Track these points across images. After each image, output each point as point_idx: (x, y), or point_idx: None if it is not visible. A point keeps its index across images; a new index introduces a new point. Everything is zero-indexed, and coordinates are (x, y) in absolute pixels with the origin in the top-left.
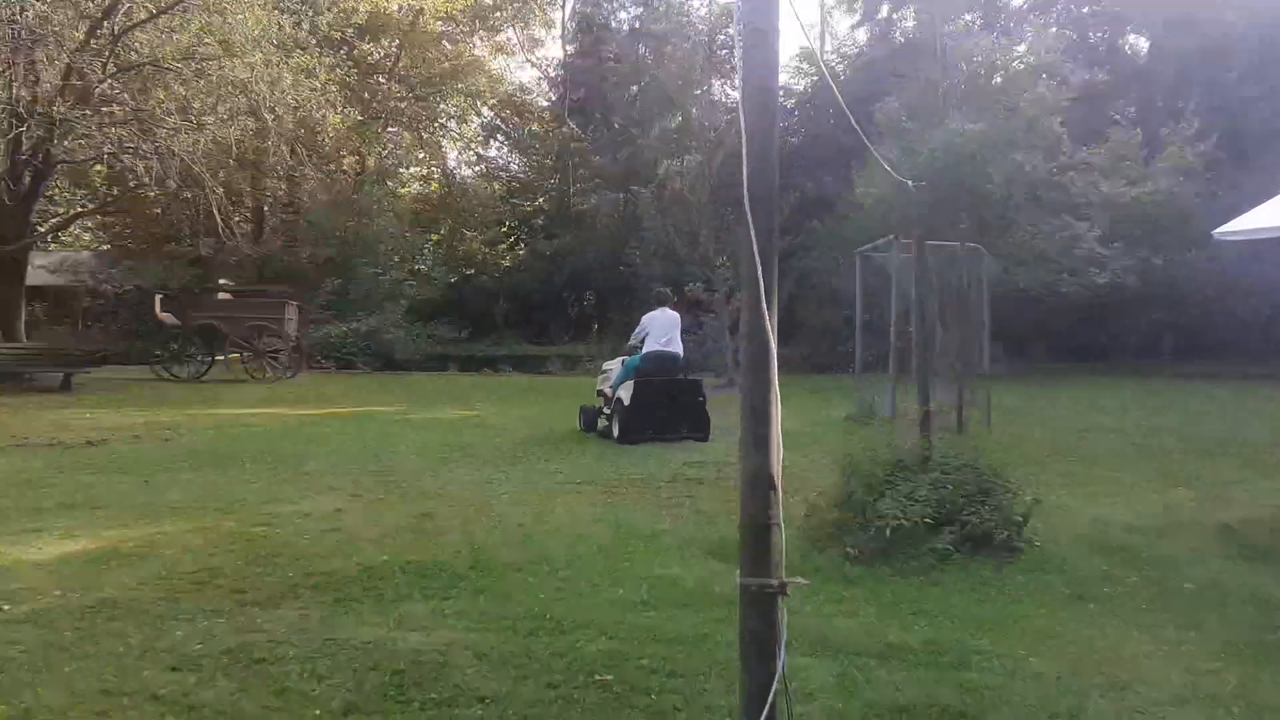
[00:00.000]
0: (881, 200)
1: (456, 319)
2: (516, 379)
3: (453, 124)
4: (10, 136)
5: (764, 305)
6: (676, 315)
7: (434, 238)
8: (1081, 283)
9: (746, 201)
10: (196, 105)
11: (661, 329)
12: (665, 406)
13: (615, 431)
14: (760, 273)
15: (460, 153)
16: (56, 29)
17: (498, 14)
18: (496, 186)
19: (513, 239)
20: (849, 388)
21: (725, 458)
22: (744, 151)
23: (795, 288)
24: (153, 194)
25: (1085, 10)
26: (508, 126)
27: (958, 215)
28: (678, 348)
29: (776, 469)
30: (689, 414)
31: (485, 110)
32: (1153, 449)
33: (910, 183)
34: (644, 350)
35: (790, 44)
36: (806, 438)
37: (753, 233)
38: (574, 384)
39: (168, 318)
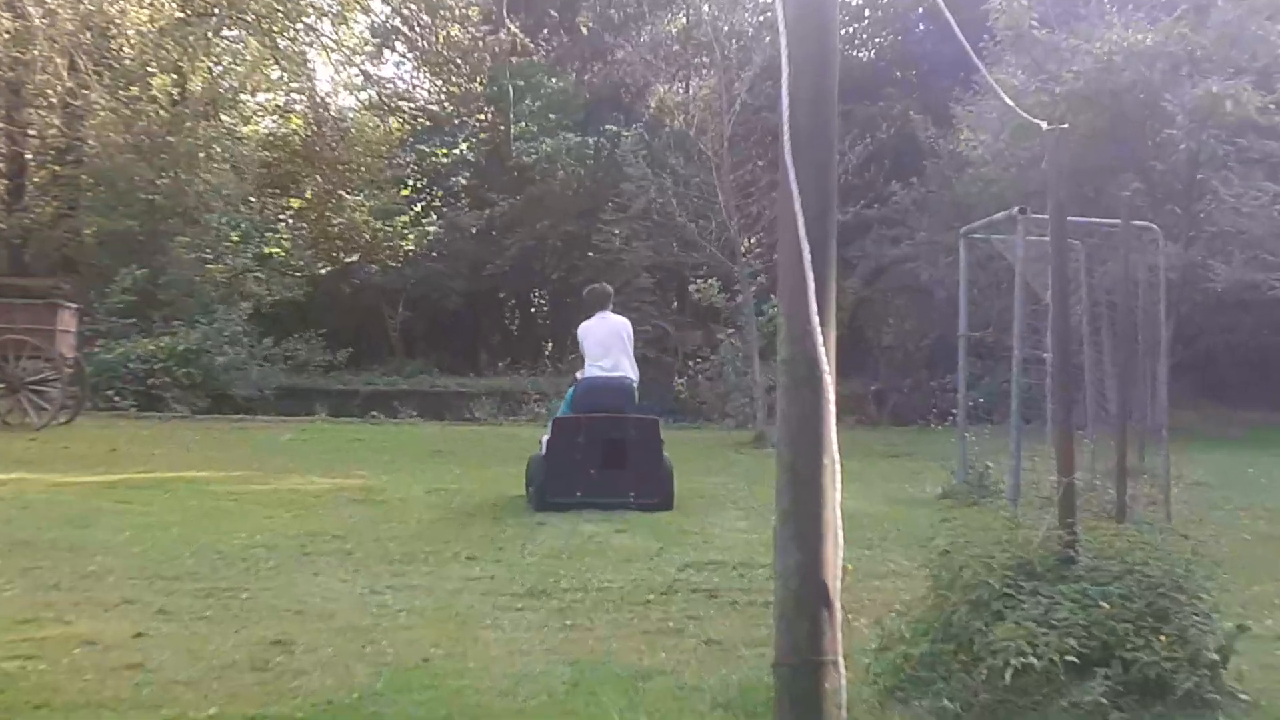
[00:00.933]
0: (998, 153)
1: (329, 334)
2: (423, 429)
3: (325, 25)
4: None
5: (814, 315)
6: (622, 323)
7: (295, 204)
8: None
9: (787, 152)
10: None
11: (600, 345)
12: (601, 458)
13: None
14: (808, 264)
15: (338, 71)
16: None
17: None
18: (395, 125)
19: (421, 207)
20: (946, 446)
21: (751, 554)
22: (784, 73)
23: (863, 288)
24: None
25: None
26: (412, 29)
27: (1117, 175)
28: (625, 370)
29: (833, 573)
30: (639, 469)
31: (377, 3)
32: None
33: (1044, 124)
34: (580, 376)
35: None
36: (879, 524)
37: (796, 202)
38: (513, 438)
39: None
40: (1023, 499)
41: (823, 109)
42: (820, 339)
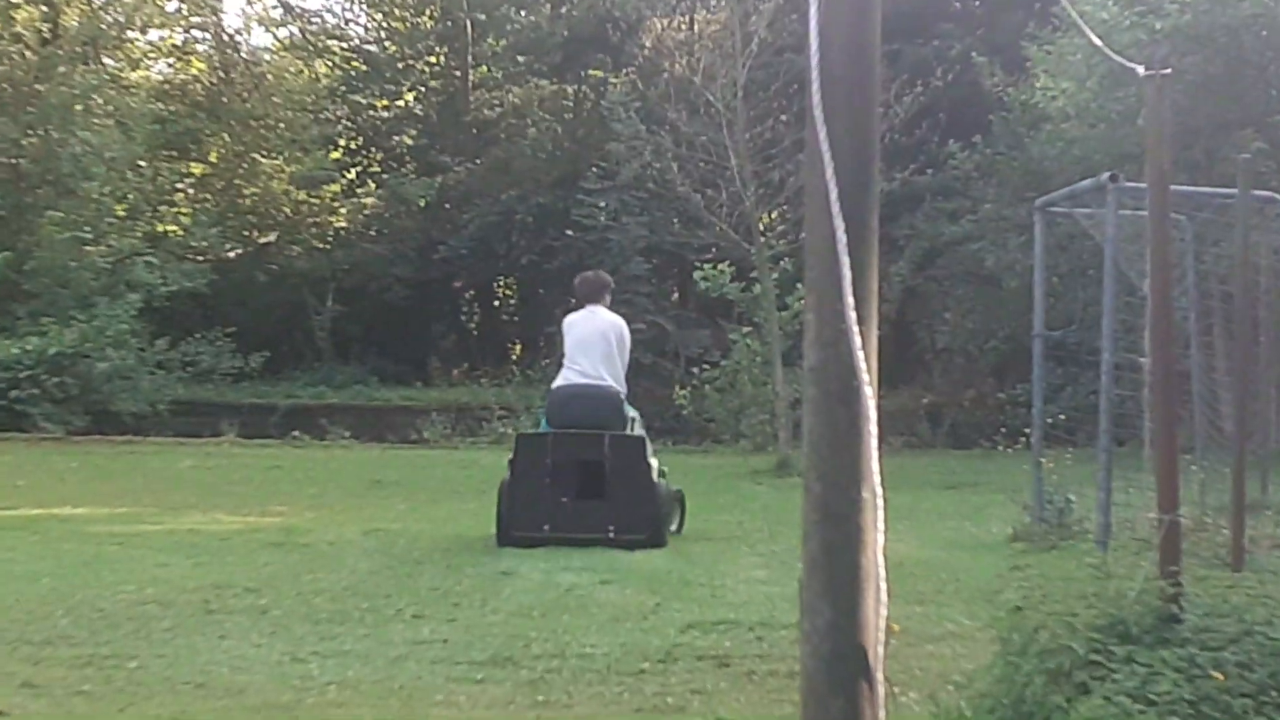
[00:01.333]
0: (1084, 105)
1: (240, 334)
2: (358, 454)
3: None
4: None
5: (849, 311)
6: (612, 323)
7: (197, 169)
8: None
9: (817, 105)
10: None
11: (580, 344)
12: (575, 484)
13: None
14: (842, 247)
15: (250, 2)
16: None
17: None
18: (323, 70)
19: (356, 174)
20: (1017, 474)
21: (771, 612)
22: (813, 3)
23: (913, 275)
24: None
25: None
26: None
27: (1234, 133)
28: (607, 377)
29: (874, 637)
30: (620, 498)
31: None
32: None
33: (1141, 68)
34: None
35: None
36: (934, 574)
37: (828, 167)
38: (471, 465)
39: None
40: (1114, 541)
41: (863, 50)
42: (859, 341)
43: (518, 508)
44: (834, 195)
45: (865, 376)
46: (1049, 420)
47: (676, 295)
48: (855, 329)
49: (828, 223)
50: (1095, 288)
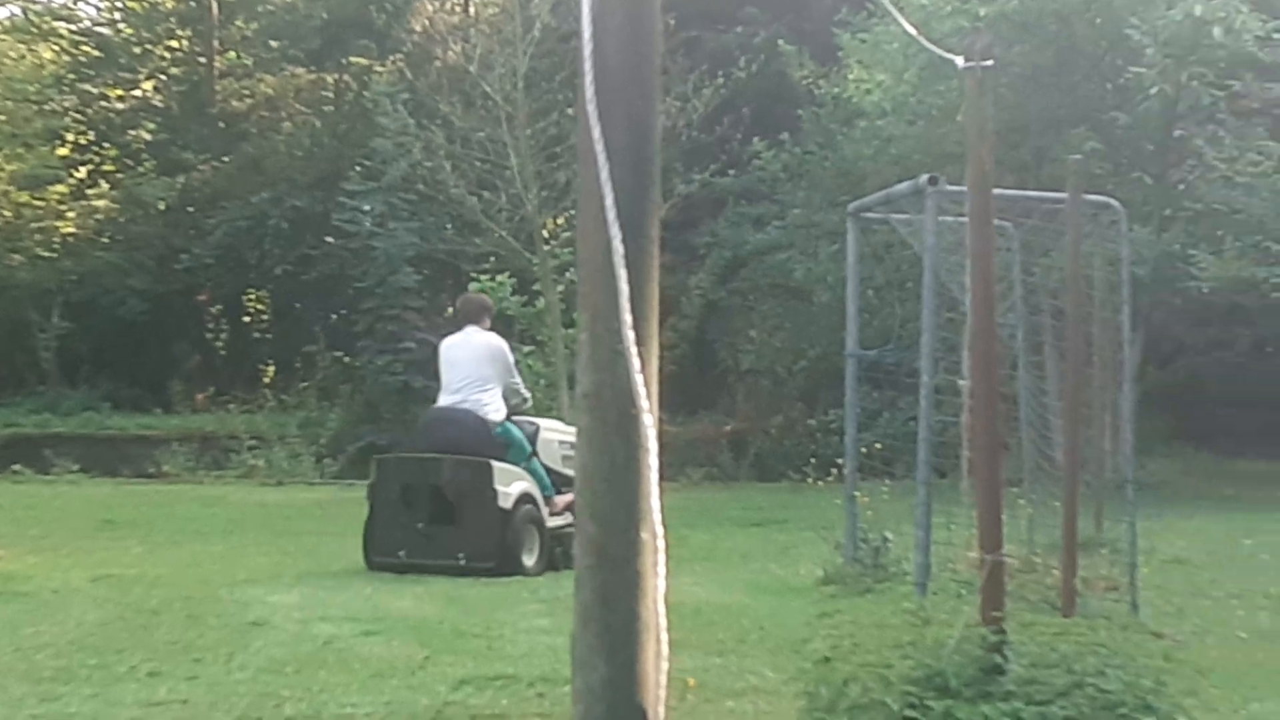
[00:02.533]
0: (902, 100)
1: None
2: (88, 489)
3: None
4: None
5: (627, 331)
6: (486, 342)
7: None
8: None
9: (590, 98)
10: None
11: (450, 367)
12: (427, 509)
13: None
14: (619, 259)
15: None
16: None
17: None
18: (48, 55)
19: (86, 173)
20: (830, 511)
21: (555, 665)
22: None
23: (715, 288)
24: None
25: None
26: None
27: (1066, 132)
28: (475, 402)
29: (654, 694)
30: (469, 523)
31: None
32: None
33: (960, 59)
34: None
35: None
36: (736, 622)
37: (601, 169)
38: (217, 501)
39: None
40: (935, 584)
41: (641, 36)
42: (637, 364)
43: (376, 533)
44: (609, 201)
45: (645, 404)
46: (864, 449)
47: (451, 310)
48: (634, 350)
49: (603, 231)
50: (914, 302)
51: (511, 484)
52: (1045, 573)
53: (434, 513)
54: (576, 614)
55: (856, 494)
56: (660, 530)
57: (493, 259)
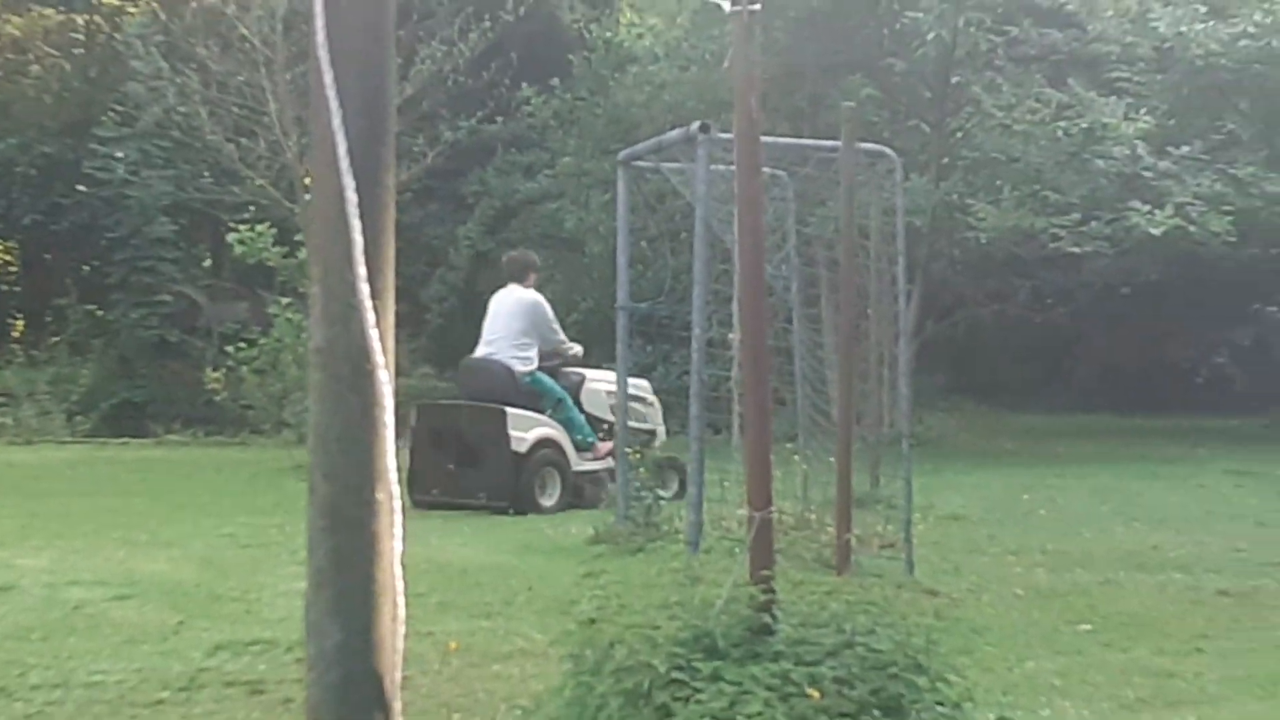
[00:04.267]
0: (674, 45)
1: None
2: None
3: None
4: None
5: (361, 284)
6: (523, 299)
7: None
8: (1115, 233)
9: (321, 42)
10: None
11: (493, 321)
12: (456, 452)
13: None
14: (352, 208)
15: None
16: None
17: None
18: None
19: None
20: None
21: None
22: None
23: (484, 238)
24: None
25: None
26: None
27: (842, 78)
28: (505, 353)
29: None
30: (487, 466)
31: None
32: (1256, 603)
33: (728, 3)
34: None
35: None
36: (505, 582)
37: (334, 115)
38: None
39: None
40: (707, 543)
41: None
42: (372, 318)
43: (414, 474)
44: (342, 150)
45: (380, 359)
46: (638, 406)
47: (209, 262)
48: (368, 304)
49: (336, 180)
50: (688, 253)
51: (529, 430)
52: (820, 530)
53: (460, 456)
54: (309, 578)
55: (628, 450)
56: (396, 490)
57: (252, 208)
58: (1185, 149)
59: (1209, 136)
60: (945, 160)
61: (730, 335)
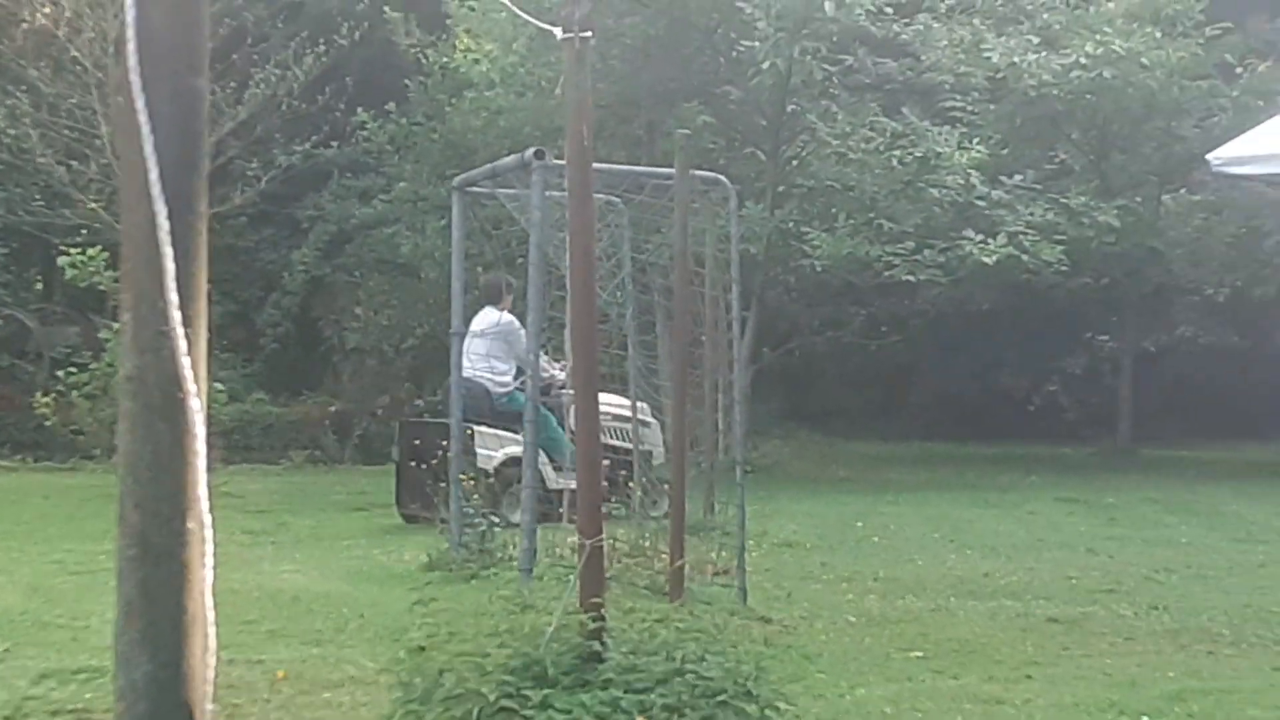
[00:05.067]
0: (510, 71)
1: None
2: None
3: None
4: None
5: (173, 310)
6: (493, 321)
7: None
8: (948, 262)
9: (134, 66)
10: None
11: (470, 344)
12: (432, 468)
13: None
14: (165, 233)
15: None
16: None
17: None
18: None
19: None
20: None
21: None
22: None
23: (320, 263)
24: None
25: None
26: None
27: (678, 106)
28: (482, 374)
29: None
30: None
31: None
32: (1085, 630)
33: (559, 31)
34: None
35: None
36: (336, 610)
37: (146, 140)
38: None
39: None
40: (540, 570)
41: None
42: (184, 345)
43: (399, 488)
44: (154, 175)
45: (192, 387)
46: (469, 431)
47: (40, 285)
48: (180, 331)
49: (147, 206)
50: (524, 279)
51: (498, 449)
52: (655, 557)
53: (436, 471)
54: (119, 608)
55: (462, 477)
56: (208, 519)
57: (84, 231)
58: (1018, 178)
59: (1041, 166)
60: (781, 188)
61: (557, 366)
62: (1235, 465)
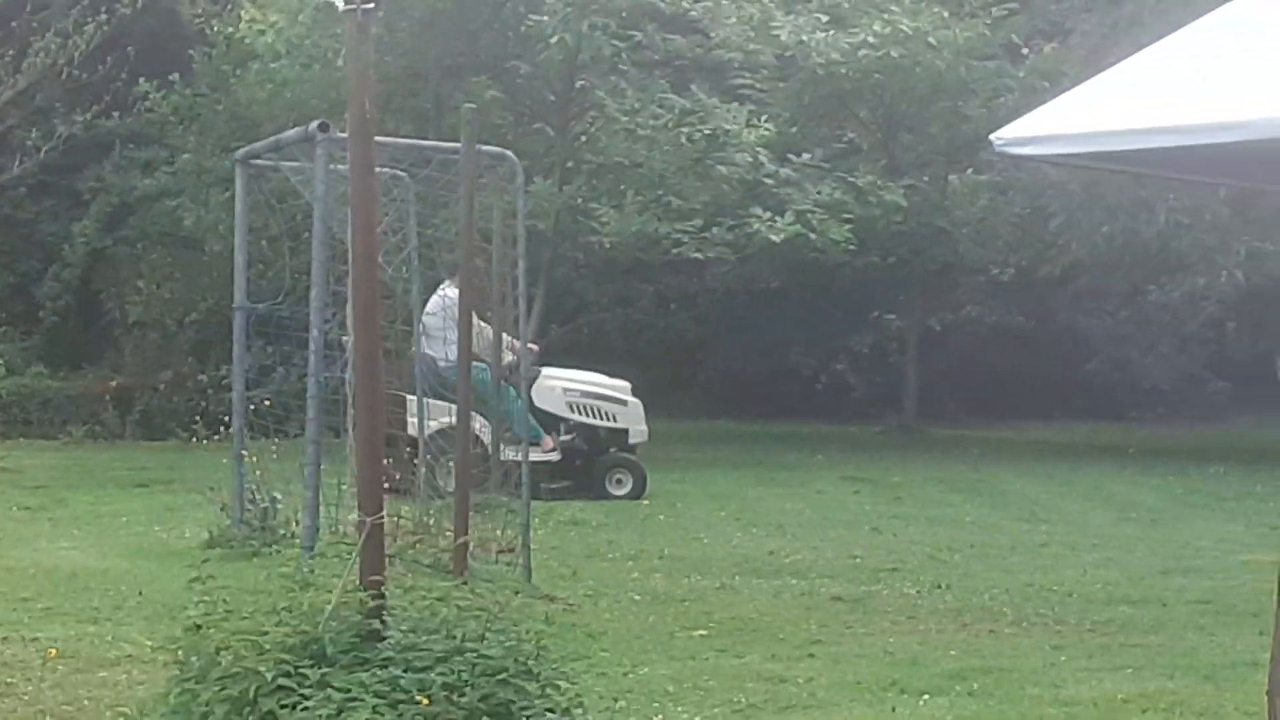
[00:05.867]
0: (296, 42)
1: None
2: None
3: None
4: None
5: None
6: (446, 297)
7: None
8: (737, 240)
9: None
10: None
11: (425, 319)
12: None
13: None
14: None
15: None
16: None
17: None
18: None
19: None
20: (218, 472)
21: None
22: None
23: (101, 235)
24: None
25: None
26: None
27: (467, 80)
28: (432, 348)
29: None
30: (396, 451)
31: None
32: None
33: (341, 2)
34: None
35: None
36: (114, 587)
37: None
38: None
39: None
40: (323, 547)
41: None
42: None
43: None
44: None
45: None
46: (253, 407)
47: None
48: None
49: None
50: (309, 254)
51: (435, 419)
52: (439, 535)
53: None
54: None
55: (245, 453)
56: None
57: None
58: (806, 156)
59: (830, 145)
60: (569, 164)
61: (344, 337)
62: (1019, 444)
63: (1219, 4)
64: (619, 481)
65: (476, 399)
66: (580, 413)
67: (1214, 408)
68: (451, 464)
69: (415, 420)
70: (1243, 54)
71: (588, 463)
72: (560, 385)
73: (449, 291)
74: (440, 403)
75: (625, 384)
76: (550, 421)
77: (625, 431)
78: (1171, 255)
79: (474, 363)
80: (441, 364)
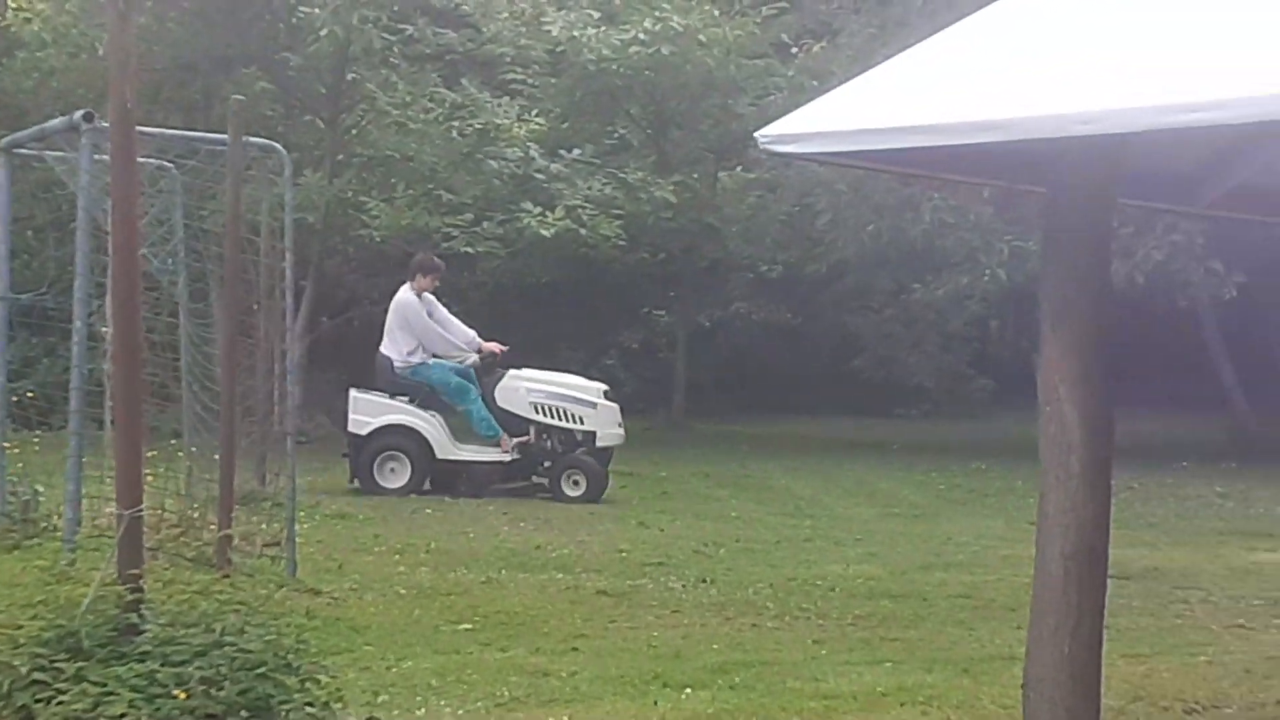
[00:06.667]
0: (63, 31)
1: None
2: None
3: None
4: None
5: None
6: (398, 299)
7: None
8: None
9: None
10: None
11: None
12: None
13: None
14: None
15: None
16: None
17: None
18: None
19: None
20: None
21: None
22: None
23: None
24: None
25: None
26: None
27: (236, 71)
28: (387, 348)
29: None
30: (348, 447)
31: None
32: (633, 603)
33: None
34: None
35: None
36: None
37: None
38: None
39: None
40: (85, 540)
41: None
42: None
43: (352, 458)
44: None
45: None
46: (16, 398)
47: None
48: None
49: None
50: (74, 244)
51: (376, 415)
52: (203, 528)
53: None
54: None
55: (6, 445)
56: None
57: None
58: (577, 152)
59: (601, 141)
60: (340, 157)
61: (104, 328)
62: (786, 440)
63: (984, 6)
64: (575, 483)
65: (442, 397)
66: (545, 414)
67: (977, 405)
68: (396, 462)
69: (358, 417)
70: (1005, 55)
71: (555, 464)
72: (524, 386)
73: (402, 294)
74: (374, 398)
75: (599, 386)
76: (514, 422)
77: (594, 434)
78: (937, 254)
79: (442, 361)
80: (397, 364)
